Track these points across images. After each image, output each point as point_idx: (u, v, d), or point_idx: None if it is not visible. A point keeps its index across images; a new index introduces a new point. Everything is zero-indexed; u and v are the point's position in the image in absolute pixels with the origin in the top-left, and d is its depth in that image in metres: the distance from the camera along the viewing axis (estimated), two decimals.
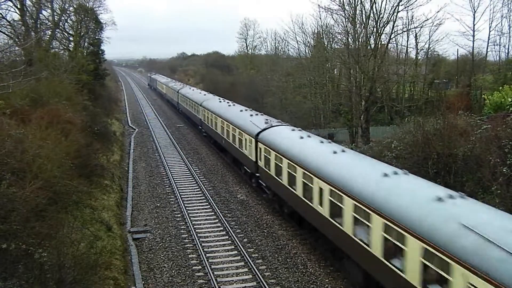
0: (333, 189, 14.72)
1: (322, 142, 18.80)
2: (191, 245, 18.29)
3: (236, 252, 17.58)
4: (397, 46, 50.25)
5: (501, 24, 53.30)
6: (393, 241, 11.51)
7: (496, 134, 18.61)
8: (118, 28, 56.84)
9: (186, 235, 19.29)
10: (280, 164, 19.67)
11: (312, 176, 16.30)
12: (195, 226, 20.03)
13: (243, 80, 65.03)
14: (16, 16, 34.38)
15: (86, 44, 49.72)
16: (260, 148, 22.52)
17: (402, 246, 11.08)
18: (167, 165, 31.15)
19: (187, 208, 22.41)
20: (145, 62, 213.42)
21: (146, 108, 66.31)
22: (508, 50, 46.52)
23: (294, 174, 18.01)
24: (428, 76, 50.03)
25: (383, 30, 35.67)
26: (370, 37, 35.79)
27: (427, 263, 10.24)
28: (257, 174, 23.22)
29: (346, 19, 36.53)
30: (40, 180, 13.73)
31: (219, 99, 39.07)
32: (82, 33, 47.65)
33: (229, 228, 19.75)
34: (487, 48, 47.91)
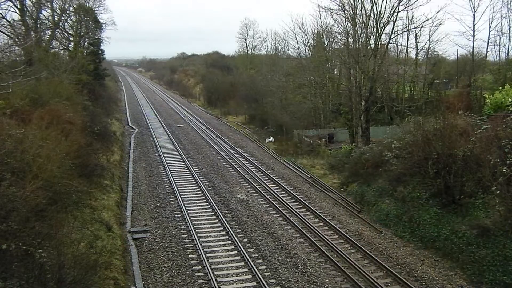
0: None
1: None
2: (191, 245, 18.30)
3: (236, 252, 17.58)
4: (397, 46, 50.08)
5: (501, 24, 52.86)
6: None
7: (496, 134, 18.57)
8: (118, 29, 56.94)
9: (186, 235, 19.29)
10: None
11: None
12: (195, 226, 20.02)
13: (243, 80, 64.82)
14: (16, 16, 34.35)
15: (86, 44, 49.73)
16: None
17: None
18: (167, 165, 31.14)
19: (187, 208, 22.41)
20: (145, 62, 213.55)
21: (146, 108, 66.32)
22: (508, 50, 46.29)
23: None
24: (428, 76, 49.87)
25: (383, 30, 35.58)
26: (370, 37, 35.68)
27: None
28: None
29: (346, 19, 36.47)
30: (40, 180, 13.72)
31: None
32: (82, 33, 47.65)
33: (229, 228, 19.75)
34: (487, 48, 47.74)
